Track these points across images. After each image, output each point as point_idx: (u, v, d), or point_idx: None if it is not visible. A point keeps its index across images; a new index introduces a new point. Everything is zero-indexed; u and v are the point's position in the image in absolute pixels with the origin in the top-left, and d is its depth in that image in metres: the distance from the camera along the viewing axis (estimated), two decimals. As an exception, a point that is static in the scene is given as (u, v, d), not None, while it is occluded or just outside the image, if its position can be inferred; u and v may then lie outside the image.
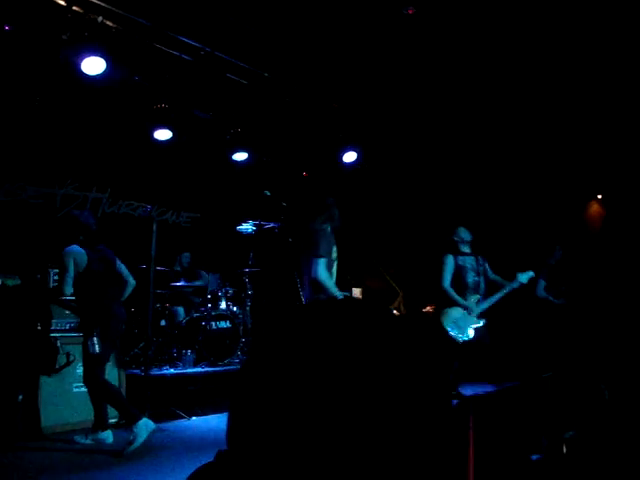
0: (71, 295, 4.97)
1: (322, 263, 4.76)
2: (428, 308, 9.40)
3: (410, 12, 6.48)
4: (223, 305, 8.03)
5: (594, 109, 7.98)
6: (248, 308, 8.34)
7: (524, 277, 6.16)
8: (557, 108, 8.06)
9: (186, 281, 8.36)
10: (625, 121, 8.01)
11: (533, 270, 6.28)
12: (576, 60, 7.21)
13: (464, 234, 6.38)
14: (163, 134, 7.15)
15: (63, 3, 5.57)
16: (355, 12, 6.33)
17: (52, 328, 5.51)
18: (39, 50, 5.74)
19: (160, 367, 7.20)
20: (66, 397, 5.41)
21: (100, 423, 5.00)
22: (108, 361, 5.15)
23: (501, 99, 8.02)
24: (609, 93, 7.69)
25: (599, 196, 9.13)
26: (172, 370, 7.09)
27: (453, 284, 6.23)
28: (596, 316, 7.22)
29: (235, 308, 8.19)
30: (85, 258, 4.89)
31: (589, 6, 6.24)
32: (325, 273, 4.79)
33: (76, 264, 4.84)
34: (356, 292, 9.07)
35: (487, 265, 6.43)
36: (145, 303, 6.04)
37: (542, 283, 7.49)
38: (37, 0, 5.43)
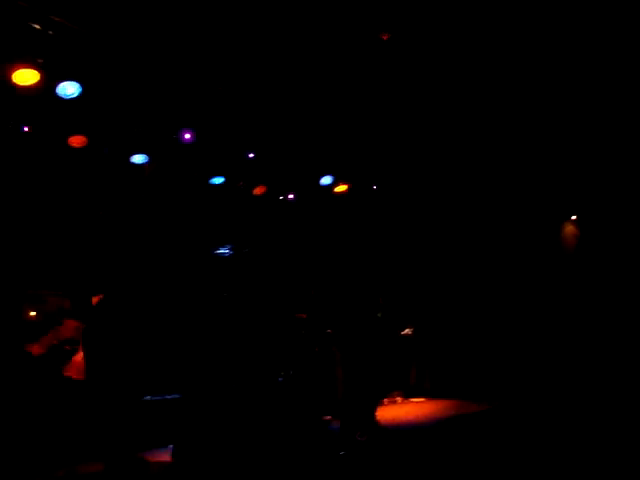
0: None
1: None
2: (407, 330, 9.39)
3: (385, 38, 6.59)
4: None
5: (568, 131, 8.12)
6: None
7: None
8: (532, 129, 8.18)
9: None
10: (600, 142, 8.16)
11: None
12: (550, 83, 7.36)
13: None
14: (140, 159, 7.13)
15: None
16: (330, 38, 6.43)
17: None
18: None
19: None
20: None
21: None
22: None
23: (478, 120, 8.13)
24: (584, 115, 7.85)
25: (573, 217, 9.22)
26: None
27: None
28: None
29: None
30: None
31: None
32: None
33: None
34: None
35: None
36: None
37: None
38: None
